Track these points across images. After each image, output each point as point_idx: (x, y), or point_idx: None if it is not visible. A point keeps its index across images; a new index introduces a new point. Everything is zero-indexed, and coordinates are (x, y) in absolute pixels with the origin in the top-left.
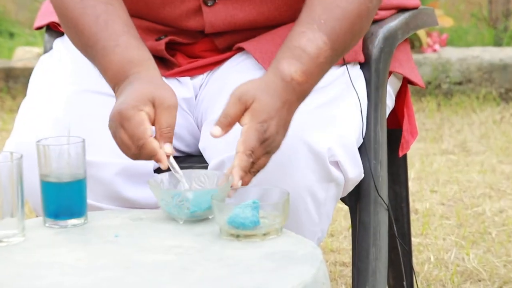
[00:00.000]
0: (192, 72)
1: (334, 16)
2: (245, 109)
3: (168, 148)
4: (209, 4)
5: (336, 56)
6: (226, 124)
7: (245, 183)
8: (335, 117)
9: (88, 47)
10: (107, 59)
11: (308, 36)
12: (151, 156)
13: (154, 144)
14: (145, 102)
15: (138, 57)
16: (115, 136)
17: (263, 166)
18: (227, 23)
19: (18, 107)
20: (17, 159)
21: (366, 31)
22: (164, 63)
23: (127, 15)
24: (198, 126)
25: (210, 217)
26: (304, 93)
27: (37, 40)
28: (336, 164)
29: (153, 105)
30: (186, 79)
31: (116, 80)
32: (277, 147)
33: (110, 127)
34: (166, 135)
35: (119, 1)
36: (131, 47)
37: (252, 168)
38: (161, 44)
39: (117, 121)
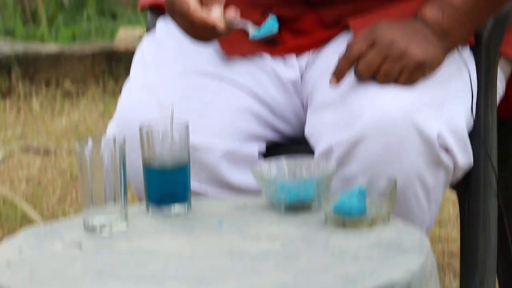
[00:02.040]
0: (298, 50)
1: None
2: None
3: (216, 11)
4: None
5: (483, 2)
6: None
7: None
8: (445, 100)
9: None
10: None
11: None
12: (205, 26)
13: (201, 13)
14: None
15: None
16: (177, 23)
17: (386, 71)
18: None
19: (120, 89)
20: (120, 143)
21: None
22: (269, 40)
23: None
24: (304, 108)
25: (313, 206)
26: (440, 28)
27: (140, 21)
28: (446, 150)
29: None
30: (291, 59)
31: None
32: (408, 57)
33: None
34: (211, 0)
35: None
36: None
37: (362, 67)
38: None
39: (168, 8)
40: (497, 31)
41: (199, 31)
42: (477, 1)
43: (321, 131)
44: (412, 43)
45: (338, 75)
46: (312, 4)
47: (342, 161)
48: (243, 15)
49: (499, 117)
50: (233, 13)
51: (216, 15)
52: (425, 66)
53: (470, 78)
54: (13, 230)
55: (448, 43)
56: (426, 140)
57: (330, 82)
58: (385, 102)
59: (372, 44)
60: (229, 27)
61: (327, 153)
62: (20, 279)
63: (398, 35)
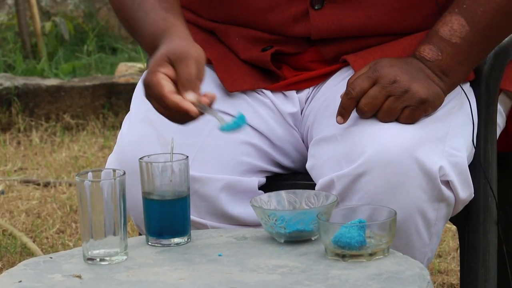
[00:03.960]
0: (298, 86)
1: (478, 1)
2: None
3: (190, 96)
4: (316, 8)
5: (481, 39)
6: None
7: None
8: (446, 134)
9: (133, 34)
10: (142, 40)
11: (445, 20)
12: (179, 111)
13: (175, 97)
14: (161, 63)
15: (163, 28)
16: (153, 106)
17: (389, 109)
18: (334, 28)
19: (120, 124)
20: (120, 176)
21: None
22: (270, 75)
23: None
24: (303, 141)
25: (313, 238)
26: (439, 68)
27: (140, 56)
28: (447, 183)
29: (170, 63)
30: (292, 93)
31: (152, 56)
32: (410, 95)
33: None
34: (187, 85)
35: None
36: (158, 20)
37: (365, 104)
38: (267, 56)
39: (145, 92)
40: (497, 66)
41: (173, 114)
42: (476, 39)
43: (322, 165)
44: (415, 81)
45: (343, 114)
46: (313, 41)
47: (343, 195)
48: (244, 50)
49: (500, 151)
50: (207, 100)
51: (190, 99)
52: (428, 104)
53: (471, 110)
54: (13, 262)
55: (448, 81)
56: (427, 175)
57: (336, 121)
58: (387, 137)
59: (374, 82)
60: (202, 111)
61: (329, 186)
62: None
63: (400, 73)
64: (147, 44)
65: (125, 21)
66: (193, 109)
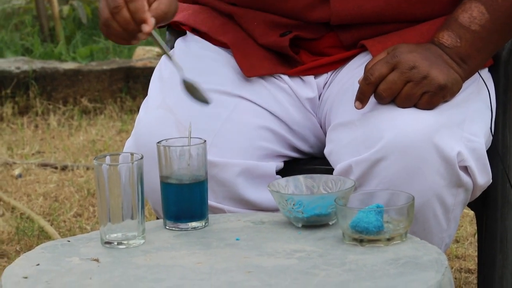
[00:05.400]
0: (316, 71)
1: None
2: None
3: (152, 21)
4: None
5: (501, 27)
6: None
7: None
8: (465, 120)
9: None
10: None
11: (464, 6)
12: (136, 11)
13: (145, 3)
14: None
15: None
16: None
17: (407, 95)
18: (354, 14)
19: (138, 108)
20: (138, 160)
21: None
22: (287, 60)
23: None
24: (321, 126)
25: (330, 223)
26: (458, 54)
27: None
28: (465, 169)
29: None
30: (309, 78)
31: None
32: (429, 81)
33: None
34: (159, 14)
35: None
36: None
37: (384, 90)
38: (285, 41)
39: None
40: None
41: (123, 22)
42: (496, 27)
43: (340, 151)
44: (434, 67)
45: (362, 99)
46: (331, 27)
47: (361, 180)
48: (262, 35)
49: None
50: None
51: (150, 22)
52: (446, 90)
53: (490, 96)
54: (30, 245)
55: (467, 68)
56: (445, 160)
57: (355, 106)
58: (405, 123)
59: (393, 68)
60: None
61: (347, 171)
62: None
63: (419, 59)
64: None
65: None
66: (151, 23)
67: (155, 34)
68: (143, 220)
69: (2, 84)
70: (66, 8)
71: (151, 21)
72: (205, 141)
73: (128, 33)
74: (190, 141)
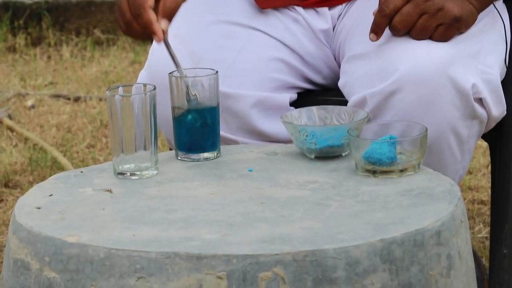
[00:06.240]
0: (330, 2)
1: None
2: None
3: (164, 24)
4: None
5: None
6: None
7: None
8: (479, 52)
9: None
10: None
11: None
12: (145, 26)
13: (152, 15)
14: None
15: None
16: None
17: (422, 27)
18: None
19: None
20: (150, 91)
21: None
22: None
23: None
24: (335, 58)
25: (343, 154)
26: None
27: None
28: (480, 100)
29: None
30: (324, 10)
31: None
32: (444, 13)
33: None
34: (168, 12)
35: None
36: None
37: (399, 22)
38: None
39: None
40: None
41: (132, 21)
42: None
43: (355, 82)
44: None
45: (377, 31)
46: None
47: (376, 112)
48: None
49: None
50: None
51: (164, 27)
52: (461, 22)
53: (505, 28)
54: (43, 176)
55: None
56: (460, 92)
57: (370, 38)
58: (420, 55)
59: (408, 0)
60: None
61: (361, 103)
62: (51, 223)
63: None
64: None
65: None
66: (160, 34)
67: (167, 41)
68: (156, 151)
69: (14, 15)
70: None
71: (162, 28)
72: (217, 72)
73: (148, 35)
74: (203, 71)
